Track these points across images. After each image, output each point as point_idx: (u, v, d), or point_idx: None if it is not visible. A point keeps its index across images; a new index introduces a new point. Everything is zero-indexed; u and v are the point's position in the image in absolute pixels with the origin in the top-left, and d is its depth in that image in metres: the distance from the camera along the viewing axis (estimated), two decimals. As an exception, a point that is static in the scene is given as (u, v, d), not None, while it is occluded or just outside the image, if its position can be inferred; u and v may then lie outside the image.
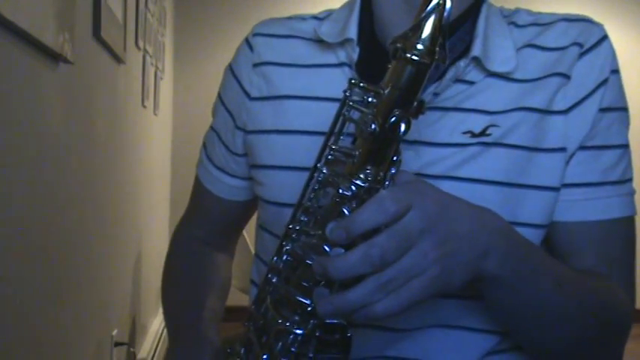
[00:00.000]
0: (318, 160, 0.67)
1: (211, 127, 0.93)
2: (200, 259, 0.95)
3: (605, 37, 0.78)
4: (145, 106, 2.52)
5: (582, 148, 0.76)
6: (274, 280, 0.69)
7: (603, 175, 0.76)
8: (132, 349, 2.17)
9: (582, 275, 0.74)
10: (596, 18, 0.81)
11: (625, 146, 0.78)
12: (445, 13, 0.60)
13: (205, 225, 0.97)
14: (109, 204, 1.80)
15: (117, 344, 1.88)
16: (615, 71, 0.78)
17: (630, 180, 0.79)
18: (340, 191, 0.62)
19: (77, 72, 1.27)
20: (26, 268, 1.00)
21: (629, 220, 0.78)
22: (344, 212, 0.62)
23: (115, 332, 1.88)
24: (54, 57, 1.08)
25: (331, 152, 0.66)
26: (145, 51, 2.43)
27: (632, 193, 0.79)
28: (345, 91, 0.65)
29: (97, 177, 1.59)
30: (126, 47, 1.87)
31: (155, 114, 2.98)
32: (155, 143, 3.11)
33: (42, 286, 1.09)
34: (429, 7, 0.60)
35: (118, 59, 1.77)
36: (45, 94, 1.07)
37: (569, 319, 0.72)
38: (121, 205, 2.03)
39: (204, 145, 0.94)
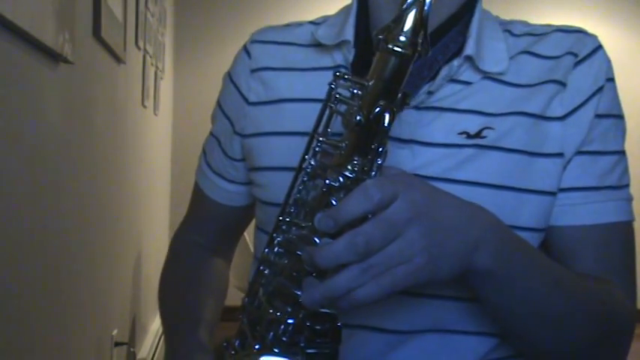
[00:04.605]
0: (306, 152, 0.67)
1: (211, 133, 0.94)
2: (198, 263, 0.95)
3: (599, 47, 0.79)
4: (145, 106, 2.52)
5: (579, 153, 0.76)
6: (266, 272, 0.69)
7: (600, 179, 0.77)
8: (132, 349, 2.17)
9: (581, 277, 0.74)
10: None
11: (621, 152, 0.79)
12: (426, 6, 0.61)
13: (204, 230, 0.97)
14: (109, 203, 1.80)
15: (117, 344, 1.88)
16: (611, 79, 0.79)
17: (627, 186, 0.79)
18: (328, 182, 0.63)
19: (77, 72, 1.27)
20: (26, 269, 1.00)
21: (627, 225, 0.79)
22: (332, 203, 0.63)
23: (115, 332, 1.88)
24: (54, 57, 1.08)
25: (319, 144, 0.66)
26: (145, 51, 2.43)
27: (629, 198, 0.79)
28: (330, 84, 0.66)
29: (97, 177, 1.59)
30: (126, 47, 1.87)
31: (155, 114, 2.98)
32: (155, 143, 3.11)
33: (42, 286, 1.09)
34: (409, 0, 0.61)
35: (118, 59, 1.77)
36: (45, 94, 1.07)
37: (567, 320, 0.71)
38: (121, 204, 2.03)
39: (204, 151, 0.95)
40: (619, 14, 4.50)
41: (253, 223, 0.94)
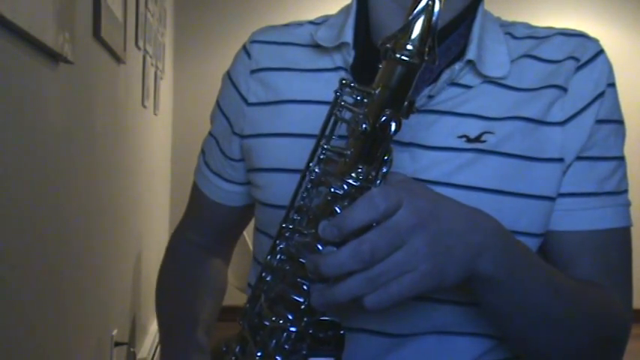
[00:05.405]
0: (311, 159, 0.67)
1: (209, 133, 0.94)
2: (195, 263, 0.95)
3: (601, 52, 0.79)
4: (145, 106, 2.52)
5: (579, 158, 0.76)
6: (268, 279, 0.69)
7: (599, 185, 0.77)
8: (132, 349, 2.17)
9: (580, 283, 0.74)
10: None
11: (620, 158, 0.79)
12: (434, 15, 0.60)
13: (201, 230, 0.97)
14: (109, 203, 1.80)
15: (117, 344, 1.88)
16: (612, 85, 0.78)
17: (626, 192, 0.79)
18: (332, 190, 0.63)
19: (77, 72, 1.27)
20: (26, 268, 1.00)
21: (625, 231, 0.79)
22: (336, 211, 0.62)
23: (115, 332, 1.88)
24: (54, 57, 1.08)
25: (323, 152, 0.66)
26: (145, 51, 2.43)
27: (627, 204, 0.79)
28: (336, 92, 0.66)
29: (97, 176, 1.59)
30: (126, 47, 1.87)
31: (155, 114, 2.99)
32: (155, 143, 3.11)
33: (42, 286, 1.09)
34: (417, 9, 0.61)
35: (118, 59, 1.78)
36: (45, 94, 1.07)
37: (565, 325, 0.71)
38: (121, 204, 2.03)
39: (202, 151, 0.95)
40: (619, 14, 4.50)
41: (253, 223, 0.94)
